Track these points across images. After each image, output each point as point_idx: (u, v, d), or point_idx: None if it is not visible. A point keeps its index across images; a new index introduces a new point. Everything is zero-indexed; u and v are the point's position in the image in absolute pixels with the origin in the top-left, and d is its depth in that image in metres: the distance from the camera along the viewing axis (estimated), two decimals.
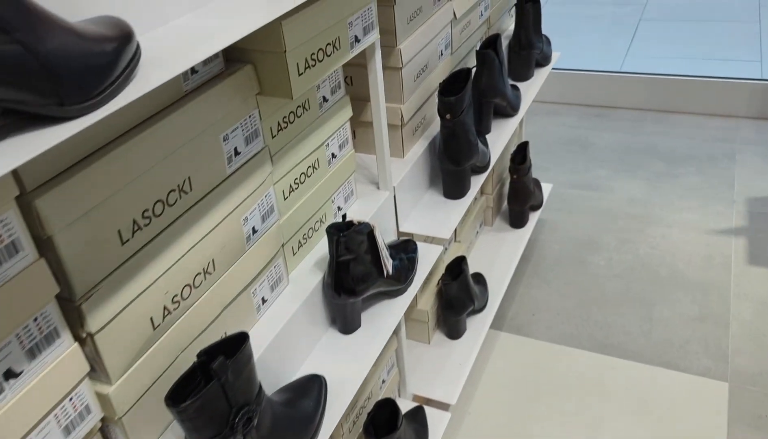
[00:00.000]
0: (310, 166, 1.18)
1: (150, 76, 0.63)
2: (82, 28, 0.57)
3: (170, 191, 0.86)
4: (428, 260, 1.37)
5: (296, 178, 1.15)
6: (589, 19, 4.03)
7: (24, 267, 0.67)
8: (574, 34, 3.82)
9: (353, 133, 1.44)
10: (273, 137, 1.07)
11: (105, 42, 0.57)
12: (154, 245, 0.84)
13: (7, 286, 0.65)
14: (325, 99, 1.19)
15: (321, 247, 1.24)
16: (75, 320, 0.75)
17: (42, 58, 0.50)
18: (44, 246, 0.71)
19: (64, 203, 0.70)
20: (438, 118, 1.64)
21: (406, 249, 1.35)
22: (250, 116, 0.99)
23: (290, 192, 1.14)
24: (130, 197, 0.79)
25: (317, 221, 1.24)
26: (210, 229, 0.93)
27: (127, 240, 0.80)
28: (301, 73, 0.99)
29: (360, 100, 1.40)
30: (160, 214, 0.85)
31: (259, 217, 1.04)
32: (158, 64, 0.67)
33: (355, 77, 1.38)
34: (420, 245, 1.40)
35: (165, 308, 0.87)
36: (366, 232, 1.16)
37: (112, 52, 0.57)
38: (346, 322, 1.20)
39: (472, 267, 2.02)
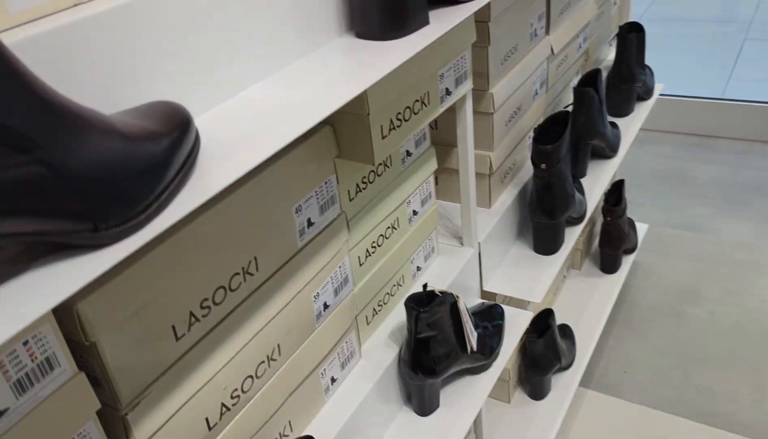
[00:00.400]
0: (389, 227, 1.06)
1: (211, 175, 0.53)
2: (126, 125, 0.47)
3: (234, 275, 0.75)
4: (516, 327, 1.23)
5: (374, 242, 1.03)
6: (688, 39, 3.76)
7: (60, 385, 0.58)
8: (671, 55, 3.56)
9: (435, 179, 1.31)
10: (350, 200, 0.96)
11: (154, 140, 0.47)
12: (213, 337, 0.74)
13: (40, 407, 0.56)
14: (408, 153, 1.07)
15: (398, 313, 1.12)
16: (120, 430, 0.66)
17: (71, 177, 0.40)
18: (86, 352, 0.62)
19: (111, 304, 0.61)
20: (530, 164, 1.50)
21: (490, 316, 1.21)
22: (326, 182, 0.88)
23: (366, 257, 1.02)
24: (188, 288, 0.70)
25: (395, 285, 1.12)
26: (277, 311, 0.83)
27: (182, 335, 0.71)
28: (385, 136, 0.87)
29: (444, 144, 1.27)
30: (221, 301, 0.75)
31: (331, 290, 0.93)
32: (223, 155, 0.56)
33: (439, 121, 1.26)
34: (506, 310, 1.26)
35: (223, 405, 0.77)
36: (449, 303, 1.03)
37: (162, 154, 0.47)
38: (423, 403, 1.07)
39: (558, 316, 1.85)
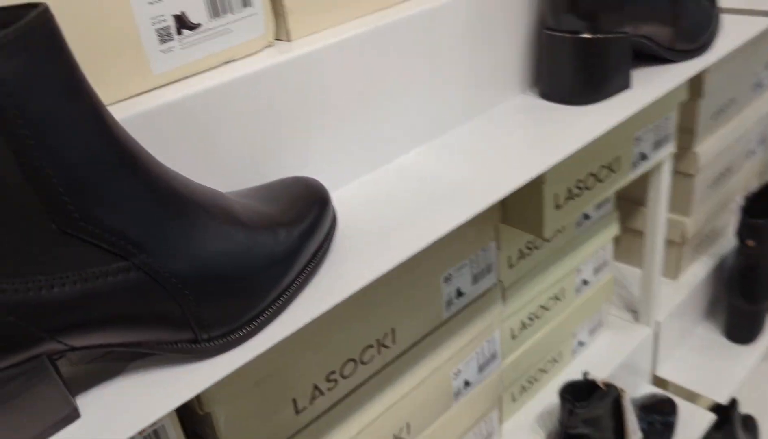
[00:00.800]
0: (552, 297, 0.94)
1: (346, 268, 0.45)
2: (248, 211, 0.41)
3: (367, 347, 0.69)
4: (691, 430, 1.05)
5: (532, 313, 0.92)
6: None
7: None
8: None
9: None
10: (510, 267, 0.85)
11: (278, 233, 0.41)
12: (336, 412, 0.68)
13: None
14: (586, 216, 0.94)
15: (550, 392, 1.00)
16: None
17: (172, 282, 0.35)
18: (198, 421, 0.58)
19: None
20: (732, 234, 1.28)
21: (661, 410, 1.04)
22: (484, 250, 0.78)
23: (521, 329, 0.91)
24: (315, 361, 0.64)
25: (550, 360, 0.99)
26: (411, 388, 0.75)
27: (303, 408, 0.65)
28: (560, 206, 0.76)
29: (630, 201, 1.11)
30: (350, 375, 0.68)
31: (475, 367, 0.83)
32: (364, 241, 0.49)
33: None
34: (681, 405, 1.08)
35: None
36: (612, 398, 0.89)
37: (287, 250, 0.41)
38: None
39: (742, 404, 1.59)
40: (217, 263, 0.37)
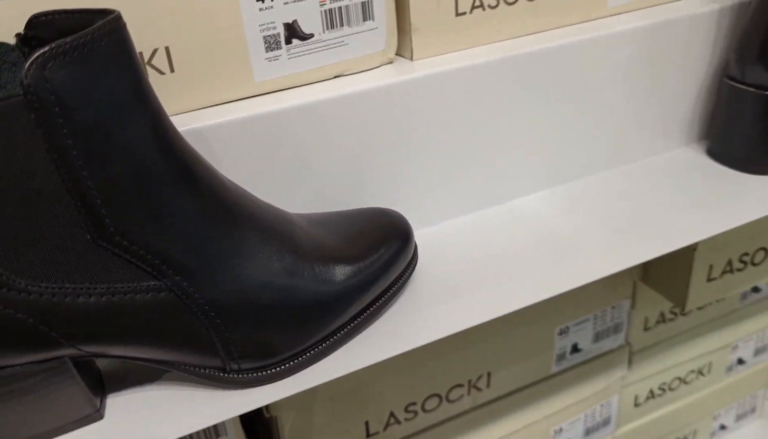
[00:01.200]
0: (694, 371, 0.82)
1: (411, 317, 0.42)
2: (308, 239, 0.38)
3: (455, 386, 0.64)
4: None
5: (664, 383, 0.81)
6: None
7: None
8: None
9: None
10: (645, 330, 0.75)
11: (335, 267, 0.37)
12: None
13: None
14: (756, 289, 0.81)
15: None
16: None
17: (206, 311, 0.34)
18: (262, 422, 0.58)
19: None
20: None
21: None
22: (614, 307, 0.70)
23: (648, 398, 0.81)
24: (396, 387, 0.61)
25: (679, 438, 0.88)
26: (499, 437, 0.69)
27: (375, 433, 0.62)
28: (713, 279, 0.65)
29: None
30: (432, 410, 0.64)
31: (581, 429, 0.75)
32: (447, 289, 0.44)
33: None
34: None
35: None
36: None
37: (340, 291, 0.38)
38: None
39: None
40: (257, 295, 0.35)
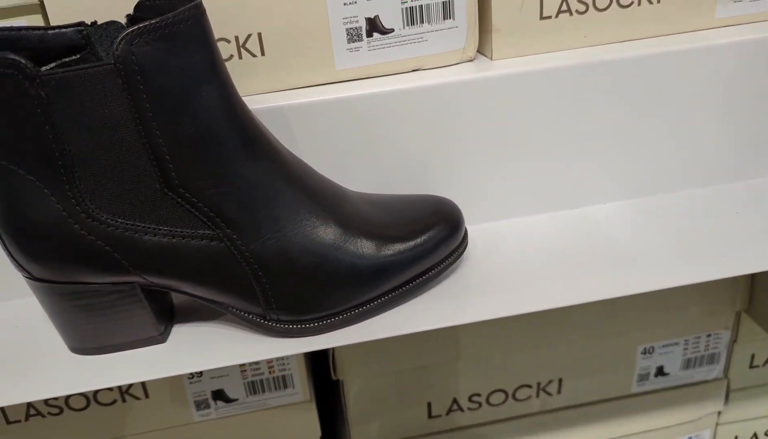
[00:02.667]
0: None
1: (444, 303, 0.44)
2: (356, 213, 0.41)
3: (523, 386, 0.65)
4: None
5: None
6: None
7: (289, 403, 0.60)
8: None
9: None
10: (750, 368, 0.70)
11: (375, 242, 0.41)
12: (472, 434, 0.67)
13: (265, 412, 0.60)
14: None
15: None
16: None
17: (251, 263, 0.38)
18: (330, 383, 0.63)
19: (372, 354, 0.60)
20: None
21: None
22: (709, 336, 0.66)
23: (752, 438, 0.75)
24: (461, 375, 0.63)
25: None
26: None
27: (437, 416, 0.65)
28: None
29: None
30: (497, 404, 0.66)
31: None
32: (488, 281, 0.46)
33: None
34: None
35: None
36: None
37: (377, 264, 0.41)
38: None
39: None
40: (296, 257, 0.39)
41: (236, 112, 0.38)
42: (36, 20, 0.45)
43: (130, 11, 0.39)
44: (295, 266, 0.40)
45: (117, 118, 0.36)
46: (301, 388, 0.60)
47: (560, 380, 0.65)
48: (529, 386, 0.65)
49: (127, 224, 0.38)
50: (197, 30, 0.36)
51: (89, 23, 0.39)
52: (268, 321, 0.41)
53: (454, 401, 0.65)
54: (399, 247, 0.42)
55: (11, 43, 0.37)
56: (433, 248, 0.43)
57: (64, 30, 0.39)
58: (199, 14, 0.36)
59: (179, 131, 0.37)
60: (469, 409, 0.65)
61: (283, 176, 0.40)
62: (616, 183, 0.53)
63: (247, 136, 0.39)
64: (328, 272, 0.41)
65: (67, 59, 0.39)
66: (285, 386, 0.60)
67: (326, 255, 0.40)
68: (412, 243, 0.43)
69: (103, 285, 0.39)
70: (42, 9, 0.44)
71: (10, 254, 0.39)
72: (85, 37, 0.39)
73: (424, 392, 0.64)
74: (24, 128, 0.35)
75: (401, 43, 0.48)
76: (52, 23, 0.44)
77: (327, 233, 0.41)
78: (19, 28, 0.38)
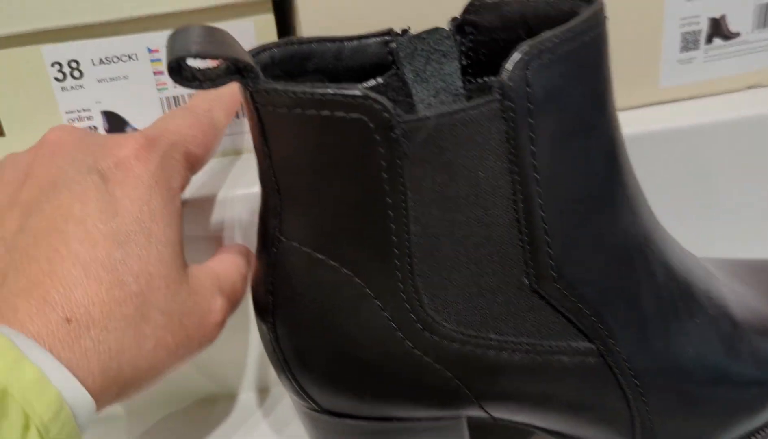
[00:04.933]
0: None
1: None
2: (738, 300, 0.29)
3: None
4: None
5: None
6: None
7: None
8: None
9: None
10: None
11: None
12: None
13: None
14: None
15: None
16: None
17: (631, 381, 0.26)
18: None
19: None
20: None
21: None
22: None
23: None
24: None
25: None
26: None
27: None
28: None
29: None
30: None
31: None
32: None
33: None
34: None
35: None
36: None
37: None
38: None
39: None
40: (689, 372, 0.27)
41: (623, 160, 0.26)
42: (267, 21, 0.32)
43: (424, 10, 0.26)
44: (686, 387, 0.27)
45: (490, 181, 0.23)
46: None
47: None
48: None
49: (479, 338, 0.25)
50: (600, 42, 0.24)
51: (399, 31, 0.26)
52: None
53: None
54: None
55: (299, 63, 0.24)
56: None
57: (365, 41, 0.26)
58: (604, 19, 0.24)
59: (562, 194, 0.24)
60: None
61: (668, 257, 0.27)
62: None
63: (630, 197, 0.26)
64: (724, 392, 0.28)
65: (367, 84, 0.26)
66: None
67: (721, 368, 0.28)
68: None
69: (420, 421, 0.27)
70: (276, 8, 0.32)
71: (293, 377, 0.26)
72: (392, 52, 0.26)
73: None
74: (363, 206, 0.22)
75: (743, 52, 0.35)
76: (304, 27, 0.31)
77: (721, 335, 0.28)
78: (310, 40, 0.25)
